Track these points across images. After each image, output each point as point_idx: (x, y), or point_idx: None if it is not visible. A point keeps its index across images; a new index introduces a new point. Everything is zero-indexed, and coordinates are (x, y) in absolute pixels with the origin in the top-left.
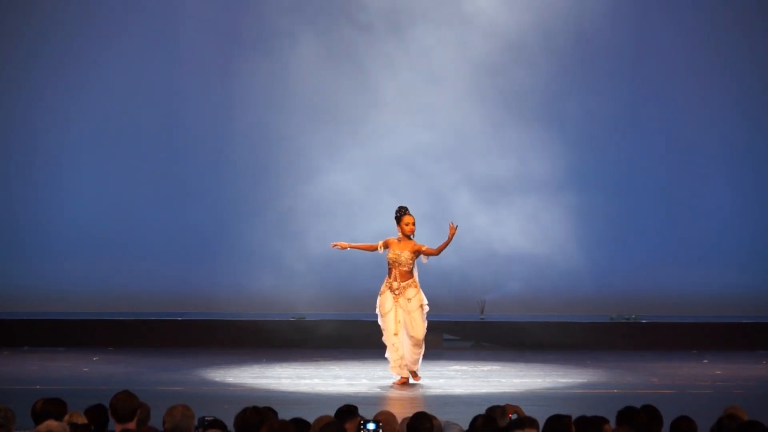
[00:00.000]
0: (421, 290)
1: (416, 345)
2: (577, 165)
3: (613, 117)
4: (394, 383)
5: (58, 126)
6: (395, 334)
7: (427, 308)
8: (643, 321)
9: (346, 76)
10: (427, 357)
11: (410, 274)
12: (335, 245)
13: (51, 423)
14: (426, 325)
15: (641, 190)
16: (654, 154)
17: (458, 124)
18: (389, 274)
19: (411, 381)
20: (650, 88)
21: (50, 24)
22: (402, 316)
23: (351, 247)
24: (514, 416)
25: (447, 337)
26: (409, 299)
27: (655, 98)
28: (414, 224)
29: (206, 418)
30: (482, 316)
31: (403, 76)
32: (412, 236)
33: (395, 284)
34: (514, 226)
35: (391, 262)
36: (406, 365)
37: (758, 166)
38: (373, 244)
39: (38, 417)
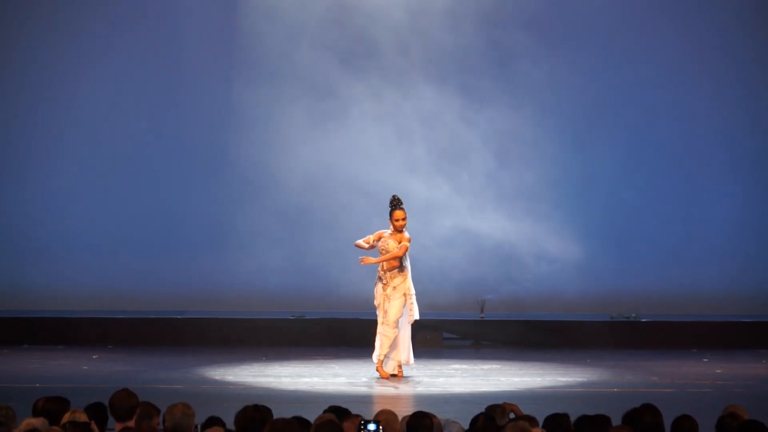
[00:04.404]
0: (409, 279)
1: (385, 325)
2: (577, 163)
3: (615, 115)
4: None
5: (54, 124)
6: (382, 323)
7: (413, 297)
8: (643, 320)
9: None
10: (426, 355)
11: (397, 261)
12: (365, 262)
13: (31, 420)
14: (414, 313)
15: (642, 189)
16: (655, 152)
17: (457, 124)
18: None
19: (378, 375)
20: (652, 84)
21: (47, 24)
22: (386, 306)
23: (378, 261)
24: (511, 415)
25: (447, 336)
26: (395, 287)
27: (657, 95)
28: (404, 219)
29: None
30: (482, 315)
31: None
32: (402, 230)
33: (382, 273)
34: (515, 224)
35: (380, 250)
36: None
37: (760, 164)
38: (368, 243)
39: (40, 415)
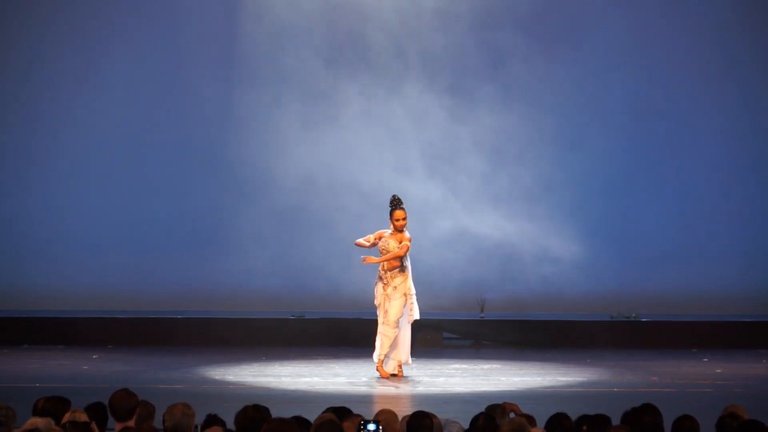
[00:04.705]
0: (410, 279)
1: (386, 324)
2: (576, 163)
3: (614, 114)
4: (382, 376)
5: (54, 124)
6: (382, 323)
7: (413, 297)
8: (643, 319)
9: (339, 79)
10: (426, 355)
11: (398, 261)
12: (367, 261)
13: (36, 420)
14: (414, 313)
15: (642, 188)
16: (655, 152)
17: (452, 125)
18: None
19: (378, 374)
20: (652, 84)
21: (50, 23)
22: (387, 306)
23: (380, 261)
24: (511, 414)
25: (447, 336)
26: (395, 287)
27: (656, 94)
28: (404, 219)
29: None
30: (482, 315)
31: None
32: (402, 230)
33: (382, 272)
34: (514, 224)
35: (381, 250)
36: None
37: (760, 164)
38: (368, 242)
39: (40, 415)
